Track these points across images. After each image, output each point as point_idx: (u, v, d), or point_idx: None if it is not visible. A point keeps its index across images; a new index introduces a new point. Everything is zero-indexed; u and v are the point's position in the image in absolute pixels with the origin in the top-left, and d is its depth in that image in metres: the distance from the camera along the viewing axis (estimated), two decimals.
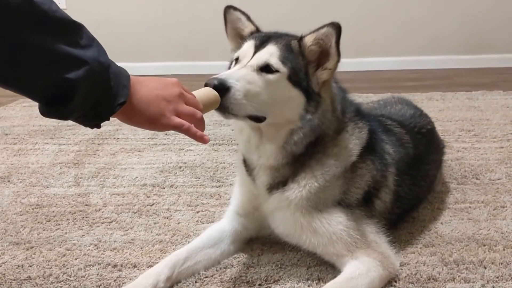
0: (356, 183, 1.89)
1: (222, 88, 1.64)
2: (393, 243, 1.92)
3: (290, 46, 1.78)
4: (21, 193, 2.61)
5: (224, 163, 2.96)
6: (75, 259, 2.07)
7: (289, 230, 1.88)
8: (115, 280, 1.93)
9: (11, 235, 2.24)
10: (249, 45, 1.82)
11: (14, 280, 1.95)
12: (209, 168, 2.90)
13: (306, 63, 1.77)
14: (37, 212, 2.42)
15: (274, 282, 1.87)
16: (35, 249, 2.13)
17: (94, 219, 2.35)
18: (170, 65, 5.49)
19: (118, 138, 3.32)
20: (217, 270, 1.97)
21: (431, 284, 1.84)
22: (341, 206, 1.85)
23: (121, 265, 2.01)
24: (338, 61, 1.77)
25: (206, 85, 1.66)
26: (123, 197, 2.56)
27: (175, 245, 2.13)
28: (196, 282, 1.91)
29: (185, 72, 5.25)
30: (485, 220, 2.21)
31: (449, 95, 4.08)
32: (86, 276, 1.96)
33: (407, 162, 2.07)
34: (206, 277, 1.94)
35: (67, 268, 2.01)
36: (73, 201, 2.52)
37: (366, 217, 1.91)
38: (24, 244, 2.17)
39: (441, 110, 3.77)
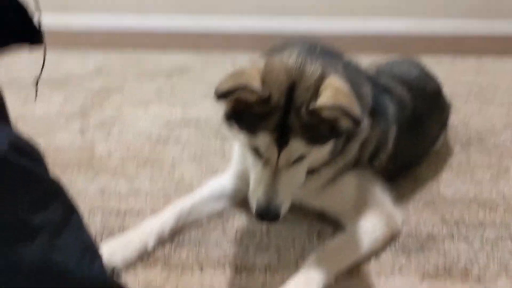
0: (367, 147, 1.90)
1: (276, 220, 1.59)
2: (396, 202, 1.95)
3: (307, 123, 1.53)
4: None
5: None
6: (80, 205, 2.07)
7: (298, 193, 1.90)
8: (119, 227, 1.97)
9: None
10: (268, 141, 1.55)
11: None
12: (214, 124, 2.89)
13: (329, 122, 1.56)
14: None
15: (275, 234, 1.91)
16: None
17: (99, 168, 2.37)
18: (175, 21, 5.38)
19: (124, 91, 3.31)
20: (219, 220, 2.00)
21: (430, 241, 1.87)
22: (353, 168, 1.88)
23: (125, 213, 2.05)
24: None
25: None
26: (128, 148, 2.57)
27: (179, 196, 2.15)
28: (198, 230, 1.95)
29: (191, 29, 5.16)
30: (488, 182, 2.22)
31: (459, 60, 4.01)
32: (91, 221, 2.00)
33: (406, 121, 2.05)
34: (209, 225, 1.97)
35: None
36: (79, 150, 2.54)
37: (374, 177, 1.93)
38: None
39: (450, 73, 3.71)
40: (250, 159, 1.66)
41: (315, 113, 1.51)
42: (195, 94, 3.28)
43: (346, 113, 1.46)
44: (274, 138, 1.54)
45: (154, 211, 2.05)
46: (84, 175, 2.31)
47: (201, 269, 1.77)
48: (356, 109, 1.47)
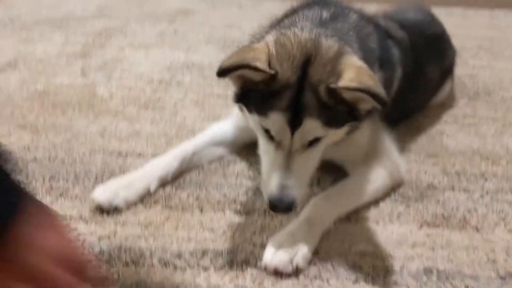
0: None
1: (291, 209, 1.49)
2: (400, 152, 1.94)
3: (324, 102, 1.44)
4: (27, 80, 2.59)
5: None
6: (81, 145, 2.09)
7: None
8: (120, 167, 1.97)
9: (18, 119, 2.25)
10: (280, 121, 1.46)
11: (20, 159, 1.97)
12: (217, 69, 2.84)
13: (348, 104, 1.48)
14: (44, 99, 2.41)
15: None
16: (41, 133, 2.16)
17: (100, 109, 2.35)
18: None
19: (126, 33, 3.24)
20: (220, 164, 2.00)
21: (430, 191, 1.86)
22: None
23: (126, 154, 2.05)
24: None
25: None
26: (130, 90, 2.54)
27: (181, 140, 2.14)
28: (199, 174, 1.95)
29: None
30: (492, 135, 2.20)
31: (471, 12, 3.90)
32: (91, 161, 1.99)
33: (407, 64, 1.99)
34: (209, 169, 1.97)
35: (73, 152, 2.04)
36: (80, 91, 2.51)
37: (383, 126, 1.92)
38: (30, 128, 2.19)
39: (460, 26, 3.62)
40: (262, 143, 1.57)
41: (335, 93, 1.42)
42: (199, 39, 3.21)
43: (373, 95, 1.36)
44: (286, 118, 1.44)
45: (155, 153, 2.04)
46: (84, 116, 2.29)
47: (201, 210, 1.78)
48: (381, 90, 1.38)
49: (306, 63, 1.44)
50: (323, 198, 1.73)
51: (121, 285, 1.49)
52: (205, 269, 1.55)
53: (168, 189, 1.86)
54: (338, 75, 1.42)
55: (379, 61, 1.77)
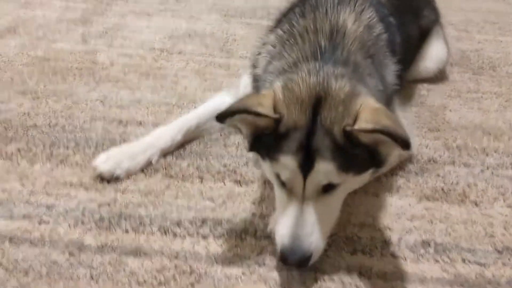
0: None
1: (306, 262, 1.40)
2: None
3: (338, 145, 1.35)
4: (27, 45, 2.56)
5: (235, 35, 2.85)
6: (81, 112, 2.08)
7: None
8: (120, 135, 1.96)
9: (18, 85, 2.23)
10: (290, 165, 1.37)
11: (20, 126, 1.98)
12: (219, 38, 2.80)
13: (366, 147, 1.38)
14: (44, 65, 2.39)
15: None
16: (41, 99, 2.14)
17: (100, 77, 2.33)
18: None
19: (128, 0, 3.18)
20: (220, 135, 1.99)
21: (430, 165, 1.86)
22: None
23: (127, 122, 2.04)
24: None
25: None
26: (131, 58, 2.51)
27: (181, 109, 2.14)
28: (199, 144, 1.95)
29: None
30: (495, 111, 2.18)
31: None
32: (92, 128, 1.99)
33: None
34: (210, 140, 1.96)
35: (73, 119, 2.03)
36: (80, 57, 2.48)
37: (398, 103, 1.89)
38: (31, 94, 2.17)
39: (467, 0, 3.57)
40: (276, 191, 1.51)
41: (351, 136, 1.33)
42: (201, 7, 3.16)
43: (392, 135, 1.25)
44: (297, 161, 1.36)
45: (155, 122, 2.04)
46: (85, 83, 2.27)
47: (201, 180, 1.78)
48: (402, 130, 1.28)
49: (316, 105, 1.37)
50: None
51: (120, 251, 1.50)
52: (205, 237, 1.56)
53: (168, 158, 1.86)
54: (353, 117, 1.35)
55: (390, 48, 1.72)
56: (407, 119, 1.92)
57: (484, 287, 1.43)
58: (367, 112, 1.33)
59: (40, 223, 1.58)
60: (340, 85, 1.40)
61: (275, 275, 1.45)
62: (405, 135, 1.25)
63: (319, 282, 1.43)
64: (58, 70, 2.35)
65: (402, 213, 1.66)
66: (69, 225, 1.58)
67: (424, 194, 1.73)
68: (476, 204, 1.70)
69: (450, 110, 2.17)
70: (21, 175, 1.76)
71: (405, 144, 1.23)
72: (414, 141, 1.89)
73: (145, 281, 1.42)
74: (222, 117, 1.35)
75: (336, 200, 1.47)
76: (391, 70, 1.70)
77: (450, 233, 1.59)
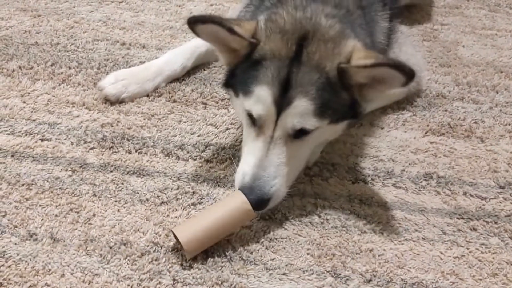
0: None
1: (264, 203, 1.31)
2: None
3: (329, 82, 1.27)
4: None
5: None
6: (83, 32, 2.03)
7: None
8: (123, 57, 1.92)
9: (18, 1, 2.16)
10: (264, 97, 1.27)
11: (21, 43, 1.93)
12: None
13: (352, 90, 1.31)
14: None
15: None
16: (43, 17, 2.08)
17: None
18: None
19: None
20: None
21: (438, 100, 1.83)
22: None
23: (130, 44, 1.99)
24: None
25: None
26: None
27: (186, 33, 2.07)
28: (204, 70, 1.90)
29: None
30: (509, 49, 2.11)
31: None
32: (94, 49, 1.94)
33: None
34: (214, 66, 1.92)
35: (75, 39, 1.98)
36: None
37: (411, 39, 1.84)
38: (32, 11, 2.11)
39: None
40: (245, 130, 1.40)
41: (345, 75, 1.25)
42: None
43: (396, 66, 1.18)
44: (272, 93, 1.26)
45: (159, 46, 1.99)
46: (87, 3, 2.20)
47: (205, 106, 1.76)
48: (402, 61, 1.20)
49: (302, 39, 1.28)
50: None
51: (123, 171, 1.50)
52: (208, 161, 1.56)
53: (172, 83, 1.82)
54: (347, 56, 1.26)
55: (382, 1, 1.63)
56: (418, 52, 1.87)
57: (483, 219, 1.44)
58: (361, 52, 1.26)
59: (42, 140, 1.58)
60: (330, 23, 1.33)
61: None
62: (409, 65, 1.19)
63: (319, 208, 1.44)
64: None
65: (406, 146, 1.64)
66: (71, 143, 1.57)
67: (430, 128, 1.71)
68: (482, 140, 1.68)
69: (463, 46, 2.11)
70: (23, 92, 1.74)
71: (411, 73, 1.17)
72: (424, 75, 1.85)
73: (147, 200, 1.43)
74: (194, 20, 1.26)
75: (305, 148, 1.37)
76: (380, 27, 1.60)
77: (453, 167, 1.58)
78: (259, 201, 1.29)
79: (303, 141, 1.32)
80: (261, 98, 1.27)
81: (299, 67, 1.25)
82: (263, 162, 1.30)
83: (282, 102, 1.26)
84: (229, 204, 1.29)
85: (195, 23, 1.26)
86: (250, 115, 1.32)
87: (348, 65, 1.24)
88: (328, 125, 1.32)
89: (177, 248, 1.31)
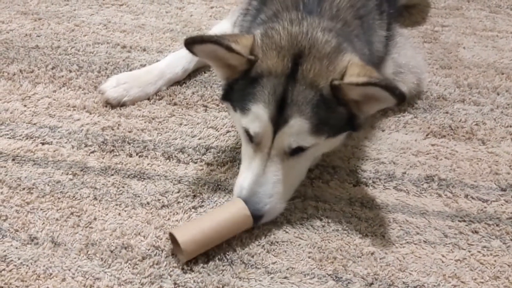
0: None
1: (256, 219, 1.32)
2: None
3: (323, 100, 1.26)
4: None
5: None
6: (84, 35, 2.03)
7: None
8: (123, 60, 1.92)
9: (19, 5, 2.16)
10: (261, 116, 1.27)
11: (22, 47, 1.94)
12: None
13: (349, 105, 1.30)
14: None
15: None
16: (43, 21, 2.08)
17: (104, 0, 2.24)
18: None
19: None
20: None
21: (439, 102, 1.83)
22: None
23: (131, 47, 1.98)
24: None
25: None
26: None
27: (186, 36, 2.06)
28: (204, 72, 1.90)
29: None
30: (510, 50, 2.11)
31: None
32: (95, 52, 1.94)
33: None
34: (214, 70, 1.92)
35: (76, 42, 1.98)
36: None
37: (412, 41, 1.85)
38: (32, 15, 2.11)
39: None
40: (243, 145, 1.41)
41: (339, 92, 1.25)
42: None
43: (386, 87, 1.17)
44: (269, 112, 1.26)
45: (160, 49, 1.99)
46: (88, 6, 2.20)
47: (206, 108, 1.76)
48: (396, 83, 1.22)
49: (298, 56, 1.28)
50: None
51: (124, 174, 1.50)
52: (208, 164, 1.56)
53: (173, 86, 1.82)
54: (341, 72, 1.25)
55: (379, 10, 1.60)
56: (418, 54, 1.87)
57: (485, 222, 1.43)
58: (356, 68, 1.25)
59: (43, 143, 1.58)
60: (326, 38, 1.32)
61: None
62: (401, 88, 1.19)
63: (320, 211, 1.44)
64: None
65: (407, 148, 1.64)
66: (72, 147, 1.57)
67: (431, 130, 1.71)
68: (483, 142, 1.67)
69: (464, 48, 2.10)
70: (24, 96, 1.74)
71: (401, 97, 1.17)
72: (424, 77, 1.85)
73: (148, 203, 1.43)
74: (191, 42, 1.27)
75: (303, 163, 1.38)
76: (378, 35, 1.59)
77: (454, 169, 1.58)
78: (254, 218, 1.31)
79: (300, 157, 1.33)
80: (258, 116, 1.28)
81: (294, 85, 1.26)
82: (260, 178, 1.32)
83: (278, 121, 1.26)
84: (228, 209, 1.31)
85: (192, 44, 1.27)
86: (247, 132, 1.32)
87: (341, 82, 1.24)
88: (326, 139, 1.32)
89: (174, 253, 1.30)
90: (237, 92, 1.34)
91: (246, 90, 1.30)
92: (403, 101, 1.19)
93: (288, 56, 1.28)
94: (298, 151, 1.31)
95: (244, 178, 1.33)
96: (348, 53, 1.31)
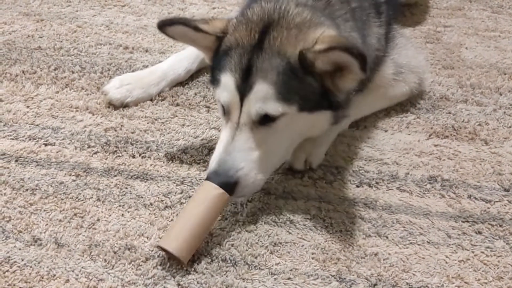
0: None
1: (230, 188, 1.29)
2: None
3: (290, 68, 1.27)
4: None
5: None
6: (86, 36, 2.03)
7: None
8: (126, 61, 1.92)
9: (21, 6, 2.17)
10: (228, 84, 1.31)
11: (24, 48, 1.94)
12: None
13: (321, 78, 1.30)
14: None
15: None
16: (46, 22, 2.08)
17: (106, 1, 2.25)
18: None
19: None
20: None
21: (442, 102, 1.82)
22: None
23: (133, 48, 1.99)
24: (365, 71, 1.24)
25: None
26: None
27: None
28: (206, 73, 1.89)
29: None
30: None
31: None
32: (97, 53, 1.94)
33: None
34: None
35: (78, 43, 1.98)
36: None
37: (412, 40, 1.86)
38: (34, 16, 2.11)
39: None
40: (221, 121, 1.42)
41: (307, 60, 1.25)
42: None
43: (349, 50, 1.18)
44: (235, 80, 1.29)
45: (162, 50, 1.99)
46: (90, 7, 2.20)
47: (208, 109, 1.76)
48: (360, 46, 1.21)
49: (266, 27, 1.30)
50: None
51: (127, 175, 1.50)
52: None
53: (175, 86, 1.82)
54: (311, 43, 1.26)
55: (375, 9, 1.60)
56: (419, 54, 1.86)
57: (488, 222, 1.43)
58: (327, 39, 1.26)
59: (46, 144, 1.58)
60: (298, 11, 1.34)
61: (280, 202, 1.46)
62: (362, 50, 1.20)
63: (323, 212, 1.44)
64: None
65: (410, 149, 1.64)
66: (75, 148, 1.58)
67: (434, 131, 1.71)
68: (486, 143, 1.67)
69: (466, 48, 2.10)
70: (26, 97, 1.74)
71: (360, 56, 1.17)
72: (426, 77, 1.84)
73: (151, 204, 1.43)
74: (162, 24, 1.35)
75: (278, 136, 1.34)
76: (374, 32, 1.57)
77: (457, 169, 1.58)
78: (223, 185, 1.28)
79: (271, 128, 1.32)
80: (225, 85, 1.32)
81: (260, 53, 1.28)
82: (229, 147, 1.31)
83: (245, 88, 1.27)
84: (201, 197, 1.28)
85: (164, 26, 1.36)
86: (222, 105, 1.36)
87: (305, 50, 1.25)
88: (300, 113, 1.31)
89: (172, 258, 1.30)
90: (213, 70, 1.39)
91: (217, 64, 1.35)
92: (363, 60, 1.17)
93: (256, 27, 1.32)
94: (268, 120, 1.30)
95: (216, 150, 1.34)
96: (324, 27, 1.32)
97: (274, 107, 1.27)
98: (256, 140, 1.31)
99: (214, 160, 1.32)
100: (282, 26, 1.30)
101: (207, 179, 1.30)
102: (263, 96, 1.26)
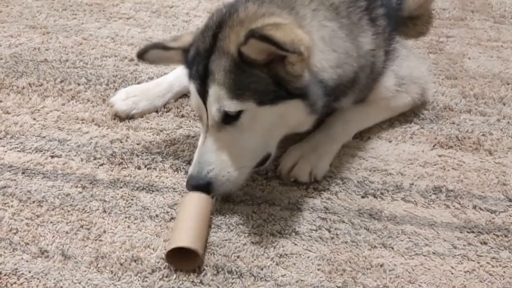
0: None
1: (205, 188, 1.35)
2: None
3: (235, 65, 1.29)
4: None
5: None
6: (92, 49, 2.05)
7: None
8: (131, 73, 1.94)
9: (27, 19, 2.19)
10: (193, 93, 1.39)
11: (31, 61, 1.96)
12: None
13: (268, 68, 1.30)
14: (53, 0, 2.33)
15: None
16: (52, 34, 2.11)
17: (111, 14, 2.27)
18: None
19: None
20: None
21: (446, 113, 1.83)
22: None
23: (138, 60, 1.98)
24: (299, 54, 1.23)
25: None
26: None
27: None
28: None
29: None
30: None
31: None
32: (103, 65, 1.96)
33: None
34: None
35: (84, 56, 2.00)
36: None
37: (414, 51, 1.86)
38: (41, 28, 2.14)
39: None
40: None
41: (242, 54, 1.26)
42: None
43: (263, 38, 1.18)
44: (196, 86, 1.36)
45: None
46: (95, 20, 2.23)
47: None
48: (285, 34, 1.18)
49: (219, 29, 1.33)
50: (347, 112, 1.67)
51: (133, 186, 1.51)
52: None
53: (180, 98, 1.84)
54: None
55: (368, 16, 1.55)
56: (422, 65, 1.87)
57: (494, 233, 1.43)
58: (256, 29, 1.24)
59: (52, 156, 1.59)
60: (246, 6, 1.35)
61: (284, 214, 1.46)
62: (285, 39, 1.17)
63: (329, 222, 1.44)
64: (68, 6, 2.30)
65: (415, 159, 1.64)
66: (81, 160, 1.59)
67: (438, 141, 1.71)
68: (490, 153, 1.68)
69: (469, 58, 2.11)
70: (33, 109, 1.76)
71: (284, 47, 1.17)
72: (429, 87, 1.84)
73: (157, 216, 1.43)
74: (139, 54, 1.48)
75: (246, 132, 1.35)
76: (369, 36, 1.54)
77: (462, 180, 1.58)
78: (196, 187, 1.35)
79: (237, 126, 1.34)
80: (192, 93, 1.40)
81: (212, 56, 1.32)
82: (202, 150, 1.38)
83: (204, 93, 1.34)
84: (190, 202, 1.36)
85: (141, 56, 1.49)
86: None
87: (240, 44, 1.26)
88: (260, 107, 1.31)
89: (179, 268, 1.30)
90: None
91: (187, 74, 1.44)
92: (291, 50, 1.19)
93: (210, 32, 1.35)
94: (231, 119, 1.33)
95: (194, 155, 1.40)
96: (270, 17, 1.31)
97: (229, 106, 1.31)
98: (225, 140, 1.36)
99: (191, 165, 1.39)
100: (229, 25, 1.33)
101: (186, 183, 1.38)
102: (217, 98, 1.31)
